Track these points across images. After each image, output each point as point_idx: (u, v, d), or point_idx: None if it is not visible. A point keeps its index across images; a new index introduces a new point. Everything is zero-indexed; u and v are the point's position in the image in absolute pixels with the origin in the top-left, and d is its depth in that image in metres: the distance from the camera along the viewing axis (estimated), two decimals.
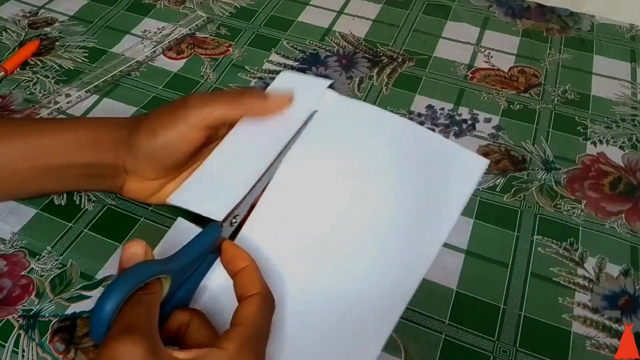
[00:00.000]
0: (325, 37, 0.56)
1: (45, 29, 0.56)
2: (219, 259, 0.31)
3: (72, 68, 0.52)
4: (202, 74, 0.52)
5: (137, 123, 0.37)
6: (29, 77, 0.51)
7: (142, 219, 0.40)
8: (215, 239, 0.31)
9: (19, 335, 0.34)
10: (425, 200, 0.31)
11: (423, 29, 0.58)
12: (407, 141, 0.32)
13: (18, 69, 0.51)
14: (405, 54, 0.55)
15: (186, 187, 0.35)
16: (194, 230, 0.32)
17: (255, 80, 0.52)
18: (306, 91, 0.37)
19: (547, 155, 0.46)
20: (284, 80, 0.40)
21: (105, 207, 0.41)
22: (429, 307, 0.36)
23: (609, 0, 0.60)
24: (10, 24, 0.57)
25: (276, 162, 0.34)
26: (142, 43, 0.54)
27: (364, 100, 0.50)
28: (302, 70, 0.53)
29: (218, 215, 0.32)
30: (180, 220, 0.33)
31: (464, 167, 0.31)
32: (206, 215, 0.33)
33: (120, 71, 0.51)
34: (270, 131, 0.35)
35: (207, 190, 0.34)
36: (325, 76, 0.52)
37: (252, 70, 0.53)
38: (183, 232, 0.31)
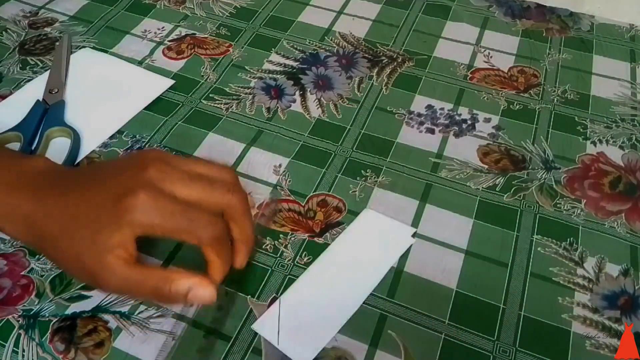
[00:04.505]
0: (325, 37, 0.57)
1: (46, 29, 0.56)
2: None
3: None
4: (202, 74, 0.52)
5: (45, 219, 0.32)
6: (29, 76, 0.51)
7: None
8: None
9: (19, 335, 0.34)
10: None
11: (423, 29, 0.58)
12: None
13: (18, 68, 0.52)
14: (405, 54, 0.55)
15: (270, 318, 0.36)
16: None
17: (255, 80, 0.52)
18: (393, 237, 0.40)
19: (547, 155, 0.46)
20: (369, 220, 0.41)
21: None
22: (428, 306, 0.36)
23: (608, 0, 0.60)
24: (10, 24, 0.57)
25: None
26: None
27: (364, 100, 0.50)
28: (302, 70, 0.53)
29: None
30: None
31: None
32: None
33: None
34: (358, 276, 0.38)
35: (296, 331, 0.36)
36: (325, 76, 0.52)
37: (252, 70, 0.53)
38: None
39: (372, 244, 0.39)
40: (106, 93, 0.50)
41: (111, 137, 0.46)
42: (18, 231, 0.34)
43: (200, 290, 0.32)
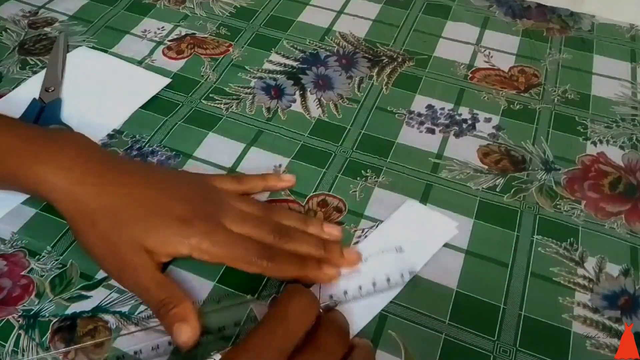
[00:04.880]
0: (325, 37, 0.56)
1: (45, 29, 0.56)
2: None
3: None
4: (202, 73, 0.52)
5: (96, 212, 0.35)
6: (28, 76, 0.51)
7: None
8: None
9: (19, 335, 0.34)
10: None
11: (423, 28, 0.58)
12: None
13: (18, 68, 0.51)
14: (405, 53, 0.55)
15: None
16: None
17: (255, 80, 0.52)
18: (434, 228, 0.40)
19: (547, 156, 0.46)
20: (410, 210, 0.41)
21: None
22: (429, 306, 0.36)
23: (609, 0, 0.60)
24: (10, 24, 0.57)
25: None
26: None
27: (364, 100, 0.50)
28: (302, 70, 0.53)
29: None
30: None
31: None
32: None
33: None
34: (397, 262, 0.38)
35: None
36: (325, 76, 0.52)
37: (252, 70, 0.53)
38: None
39: (412, 234, 0.40)
40: (103, 91, 0.50)
41: (111, 137, 0.46)
42: (65, 206, 0.36)
43: (182, 330, 0.33)
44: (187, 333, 0.33)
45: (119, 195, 0.36)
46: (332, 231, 0.39)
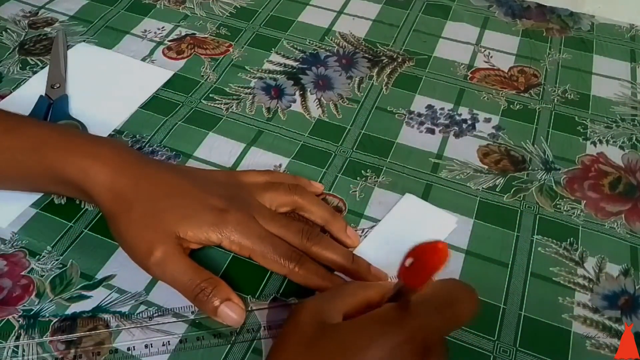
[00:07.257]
0: (325, 37, 0.56)
1: (46, 29, 0.56)
2: None
3: None
4: (202, 74, 0.52)
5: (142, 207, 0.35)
6: (28, 76, 0.51)
7: None
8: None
9: (19, 335, 0.34)
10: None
11: (423, 29, 0.58)
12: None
13: (18, 68, 0.52)
14: (405, 54, 0.55)
15: None
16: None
17: (255, 80, 0.52)
18: (434, 223, 0.41)
19: (547, 156, 0.46)
20: (409, 205, 0.42)
21: None
22: None
23: (608, 0, 0.60)
24: (10, 24, 0.57)
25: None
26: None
27: (364, 100, 0.50)
28: (302, 70, 0.53)
29: None
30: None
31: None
32: None
33: None
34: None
35: None
36: (325, 76, 0.52)
37: (252, 70, 0.53)
38: None
39: (412, 232, 0.40)
40: (106, 86, 0.50)
41: (111, 137, 0.46)
42: (104, 197, 0.36)
43: (232, 309, 0.34)
44: (237, 310, 0.33)
45: (157, 185, 0.36)
46: (353, 236, 0.39)
